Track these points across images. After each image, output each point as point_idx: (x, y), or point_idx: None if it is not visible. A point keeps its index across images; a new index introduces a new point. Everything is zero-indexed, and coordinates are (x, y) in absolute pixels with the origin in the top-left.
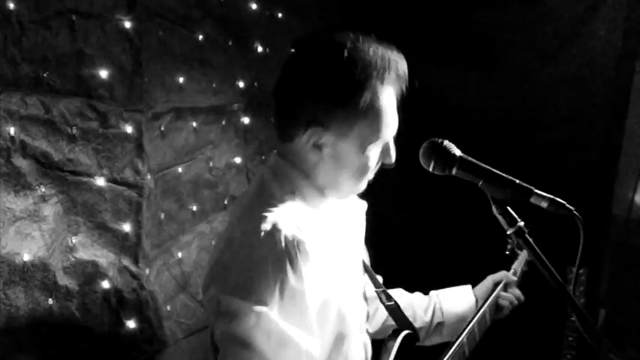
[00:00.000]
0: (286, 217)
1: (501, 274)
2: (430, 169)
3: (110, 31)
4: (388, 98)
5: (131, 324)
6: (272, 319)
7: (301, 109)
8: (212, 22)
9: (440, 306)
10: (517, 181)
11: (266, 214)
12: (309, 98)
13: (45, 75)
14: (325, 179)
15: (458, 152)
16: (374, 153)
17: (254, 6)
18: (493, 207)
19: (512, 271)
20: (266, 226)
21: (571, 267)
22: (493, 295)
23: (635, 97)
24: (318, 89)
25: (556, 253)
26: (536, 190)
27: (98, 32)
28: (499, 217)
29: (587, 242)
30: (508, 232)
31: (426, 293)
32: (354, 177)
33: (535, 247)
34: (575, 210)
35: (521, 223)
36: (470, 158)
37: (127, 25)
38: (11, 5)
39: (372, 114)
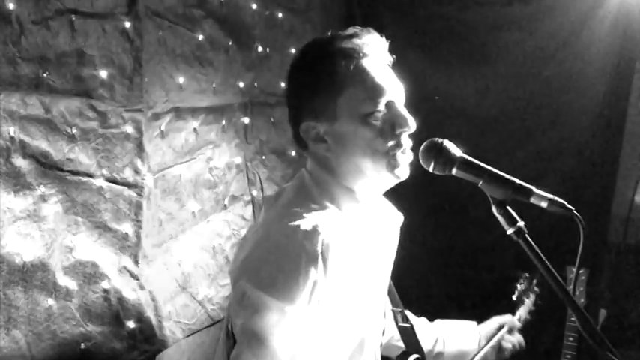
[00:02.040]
0: (325, 222)
1: (507, 318)
2: (430, 169)
3: (110, 31)
4: (365, 69)
5: (131, 324)
6: (294, 320)
7: (293, 110)
8: (212, 22)
9: (444, 336)
10: (517, 181)
11: (307, 215)
12: (293, 96)
13: (45, 75)
14: (347, 172)
15: (458, 152)
16: (379, 121)
17: (254, 6)
18: (493, 207)
19: (517, 316)
20: (306, 226)
21: (571, 267)
22: (498, 335)
23: (635, 97)
24: (297, 84)
25: (556, 253)
26: (536, 190)
27: (98, 32)
28: (499, 217)
29: (587, 242)
30: (508, 232)
31: (431, 319)
32: (369, 156)
33: (535, 247)
34: (575, 210)
35: (521, 223)
36: (470, 158)
37: (127, 25)
38: (11, 5)
39: (350, 86)
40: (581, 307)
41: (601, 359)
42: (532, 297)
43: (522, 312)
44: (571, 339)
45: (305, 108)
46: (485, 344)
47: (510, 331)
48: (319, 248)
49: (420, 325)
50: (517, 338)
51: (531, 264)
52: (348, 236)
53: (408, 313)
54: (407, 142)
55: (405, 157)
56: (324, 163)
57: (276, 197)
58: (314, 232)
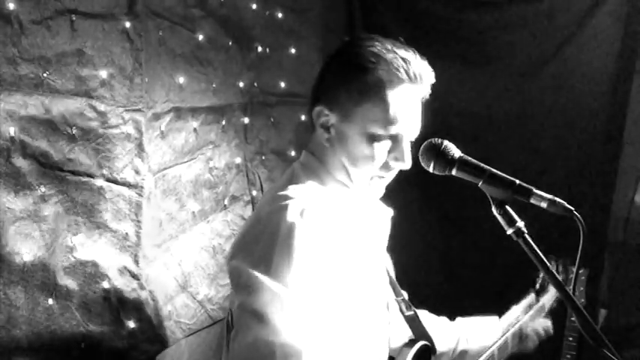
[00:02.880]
0: (316, 203)
1: (527, 301)
2: (430, 170)
3: (110, 31)
4: (398, 94)
5: (131, 324)
6: (290, 296)
7: (318, 90)
8: (212, 22)
9: (467, 334)
10: (517, 181)
11: (296, 196)
12: (325, 78)
13: (45, 75)
14: (335, 166)
15: (458, 153)
16: (381, 146)
17: (254, 6)
18: (493, 207)
19: (540, 303)
20: (295, 207)
21: (571, 267)
22: (519, 322)
23: (635, 97)
24: (328, 69)
25: (556, 253)
26: (536, 190)
27: (98, 32)
28: (499, 217)
29: (587, 242)
30: (508, 232)
31: (451, 318)
32: (358, 165)
33: (535, 247)
34: (575, 210)
35: (521, 224)
36: (470, 158)
37: (127, 25)
38: (11, 5)
39: (376, 100)
40: (581, 307)
41: (601, 359)
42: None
43: (547, 300)
44: (571, 339)
45: (328, 94)
46: (506, 331)
47: (534, 317)
48: (310, 226)
49: (441, 324)
50: (541, 323)
51: (558, 251)
52: (337, 212)
53: (422, 312)
54: (392, 175)
55: (383, 183)
56: (319, 151)
57: (269, 188)
58: (303, 212)
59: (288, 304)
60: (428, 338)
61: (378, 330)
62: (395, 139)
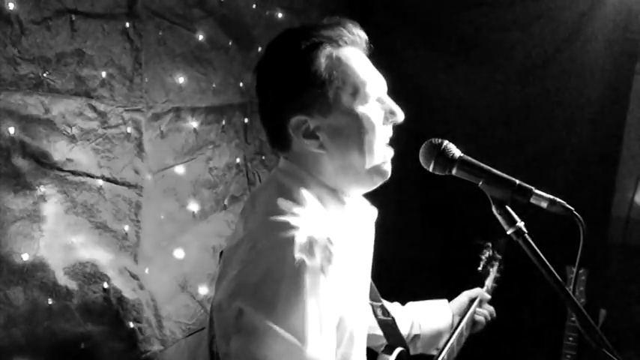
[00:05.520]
0: (317, 230)
1: (476, 291)
2: (430, 169)
3: (110, 31)
4: (351, 57)
5: (131, 324)
6: (296, 343)
7: (275, 107)
8: (212, 22)
9: (419, 319)
10: (517, 182)
11: (296, 223)
12: (274, 92)
13: (45, 75)
14: (336, 170)
15: (458, 152)
16: (371, 114)
17: (254, 6)
18: (493, 207)
19: (485, 287)
20: (301, 240)
21: (571, 267)
22: (470, 311)
23: (635, 97)
24: (277, 78)
25: (556, 253)
26: (536, 191)
27: (98, 32)
28: (499, 217)
29: (587, 242)
30: (508, 232)
31: (403, 303)
32: (363, 147)
33: (535, 247)
34: (575, 210)
35: (521, 224)
36: (470, 158)
37: (127, 25)
38: (11, 5)
39: (340, 76)
40: (581, 307)
41: (601, 359)
42: (496, 265)
43: (489, 282)
44: (571, 339)
45: (292, 102)
46: (460, 321)
47: (481, 303)
48: (317, 261)
49: (395, 310)
50: (488, 310)
51: (493, 231)
52: (338, 236)
53: (386, 303)
54: (392, 153)
55: (391, 155)
56: (306, 162)
57: (252, 203)
58: (308, 241)
59: (295, 353)
60: (403, 344)
61: (361, 332)
62: (378, 99)
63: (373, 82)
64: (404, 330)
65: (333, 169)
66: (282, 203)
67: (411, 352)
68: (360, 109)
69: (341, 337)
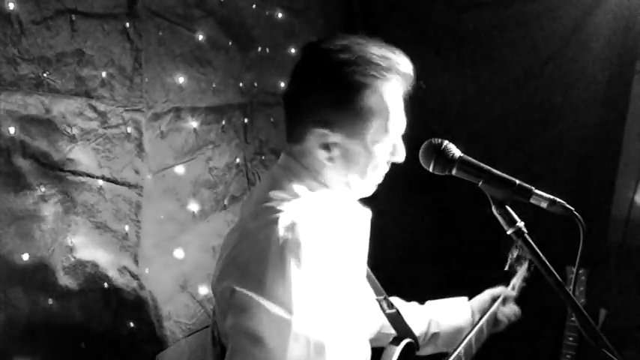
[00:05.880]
0: (303, 212)
1: (500, 289)
2: (430, 169)
3: (110, 31)
4: (393, 97)
5: (131, 324)
6: (283, 316)
7: (307, 112)
8: (212, 22)
9: (437, 317)
10: (517, 182)
11: (282, 207)
12: (313, 100)
13: (45, 75)
14: (334, 179)
15: (458, 152)
16: (382, 151)
17: (254, 6)
18: (493, 207)
19: (510, 286)
20: (285, 221)
21: (571, 267)
22: (492, 309)
23: (635, 97)
24: (321, 91)
25: (556, 253)
26: (536, 191)
27: (98, 32)
28: (499, 217)
29: (587, 242)
30: (508, 232)
31: (422, 302)
32: (363, 176)
33: (535, 247)
34: (575, 210)
35: (521, 224)
36: (470, 158)
37: (127, 25)
38: (11, 5)
39: (378, 113)
40: (581, 307)
41: (601, 359)
42: (525, 264)
43: (515, 281)
44: (571, 339)
45: (326, 116)
46: (480, 319)
47: (505, 302)
48: (301, 240)
49: (411, 309)
50: (512, 309)
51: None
52: (325, 223)
53: (394, 299)
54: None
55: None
56: (308, 161)
57: (249, 198)
58: (293, 225)
59: (282, 323)
60: (411, 335)
61: (361, 329)
62: (395, 140)
63: (400, 126)
64: (421, 327)
65: (330, 176)
66: (273, 193)
67: (432, 351)
68: (377, 147)
69: (336, 334)
